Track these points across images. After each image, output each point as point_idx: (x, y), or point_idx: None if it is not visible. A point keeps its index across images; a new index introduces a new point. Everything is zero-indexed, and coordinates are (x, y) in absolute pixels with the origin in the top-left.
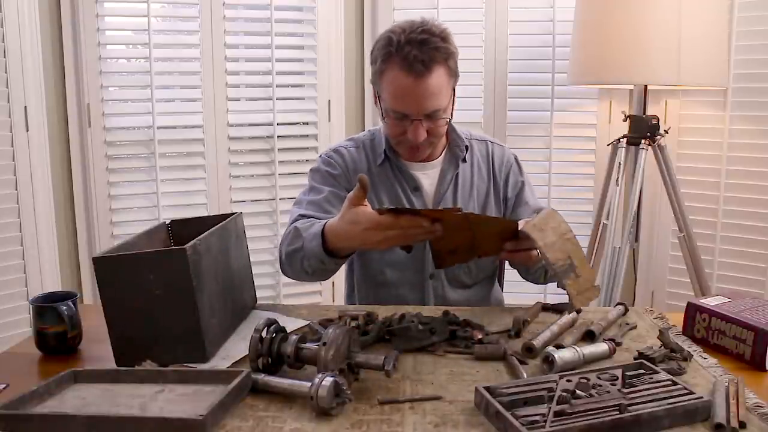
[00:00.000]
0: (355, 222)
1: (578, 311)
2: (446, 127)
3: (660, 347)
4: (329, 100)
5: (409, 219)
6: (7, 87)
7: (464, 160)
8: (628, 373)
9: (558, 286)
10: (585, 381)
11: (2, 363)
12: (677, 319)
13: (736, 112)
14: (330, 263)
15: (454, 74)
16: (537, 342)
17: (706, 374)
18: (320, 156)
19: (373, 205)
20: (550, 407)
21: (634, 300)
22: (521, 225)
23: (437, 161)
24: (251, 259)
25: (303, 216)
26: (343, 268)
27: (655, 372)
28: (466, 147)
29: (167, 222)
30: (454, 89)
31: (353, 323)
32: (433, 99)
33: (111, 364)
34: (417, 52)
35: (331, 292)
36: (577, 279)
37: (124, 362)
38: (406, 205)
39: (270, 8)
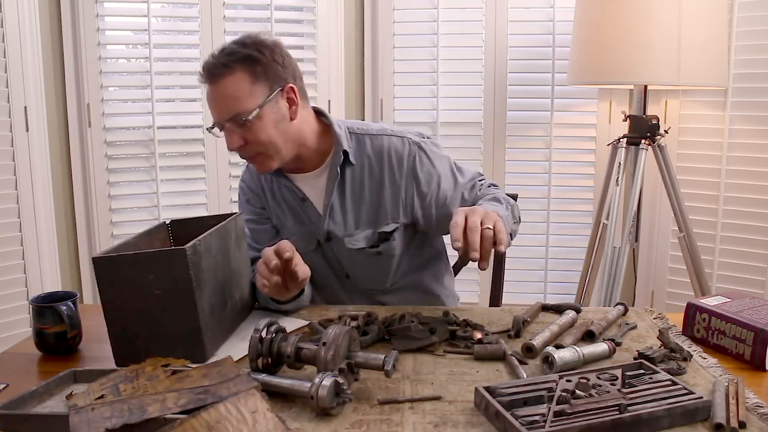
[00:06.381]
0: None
1: None
2: (266, 133)
3: (660, 347)
4: (329, 100)
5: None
6: (7, 87)
7: (350, 163)
8: (628, 373)
9: None
10: (585, 381)
11: (2, 363)
12: (677, 319)
13: (736, 112)
14: (282, 305)
15: (263, 78)
16: (537, 342)
17: (706, 374)
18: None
19: (279, 217)
20: (549, 407)
21: (634, 300)
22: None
23: (321, 170)
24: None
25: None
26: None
27: (655, 372)
28: (345, 152)
29: (167, 222)
30: (278, 94)
31: (353, 323)
32: (228, 103)
33: (111, 364)
34: (211, 60)
35: None
36: None
37: (124, 362)
38: (302, 215)
39: (270, 8)
